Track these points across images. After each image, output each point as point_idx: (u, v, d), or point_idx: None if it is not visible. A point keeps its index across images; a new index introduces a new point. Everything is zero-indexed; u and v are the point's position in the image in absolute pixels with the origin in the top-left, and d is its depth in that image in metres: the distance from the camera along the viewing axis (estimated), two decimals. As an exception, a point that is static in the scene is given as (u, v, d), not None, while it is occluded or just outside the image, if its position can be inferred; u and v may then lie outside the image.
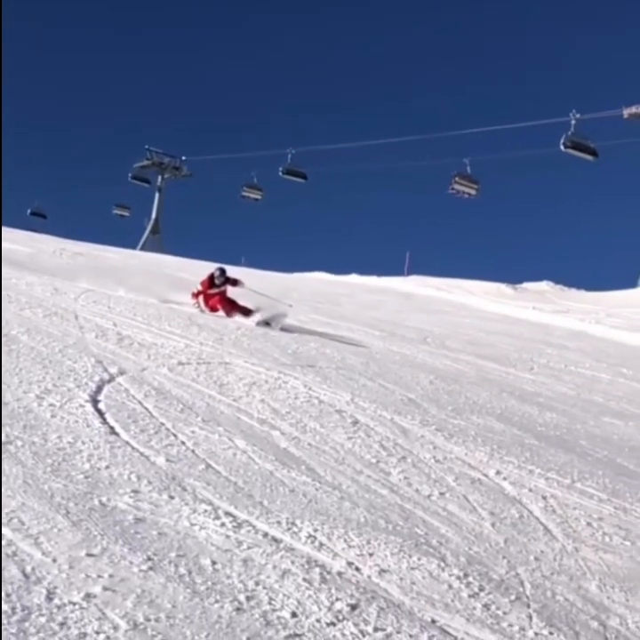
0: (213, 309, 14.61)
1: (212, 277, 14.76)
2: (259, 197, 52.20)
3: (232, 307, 14.63)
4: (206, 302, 14.64)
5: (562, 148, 39.34)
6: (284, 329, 14.04)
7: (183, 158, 59.72)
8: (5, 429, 6.08)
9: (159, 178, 59.83)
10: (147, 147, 59.86)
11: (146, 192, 60.71)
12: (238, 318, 14.23)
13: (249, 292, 15.19)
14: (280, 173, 48.41)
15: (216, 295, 14.70)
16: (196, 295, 14.67)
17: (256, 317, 14.26)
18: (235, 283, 14.98)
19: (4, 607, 3.62)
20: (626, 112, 40.48)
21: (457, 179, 41.52)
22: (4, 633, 3.42)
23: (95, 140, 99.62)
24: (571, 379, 15.03)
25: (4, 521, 4.47)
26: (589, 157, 39.83)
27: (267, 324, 14.08)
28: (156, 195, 59.90)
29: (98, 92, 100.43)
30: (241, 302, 14.83)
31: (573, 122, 39.12)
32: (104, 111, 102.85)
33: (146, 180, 60.20)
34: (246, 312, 14.48)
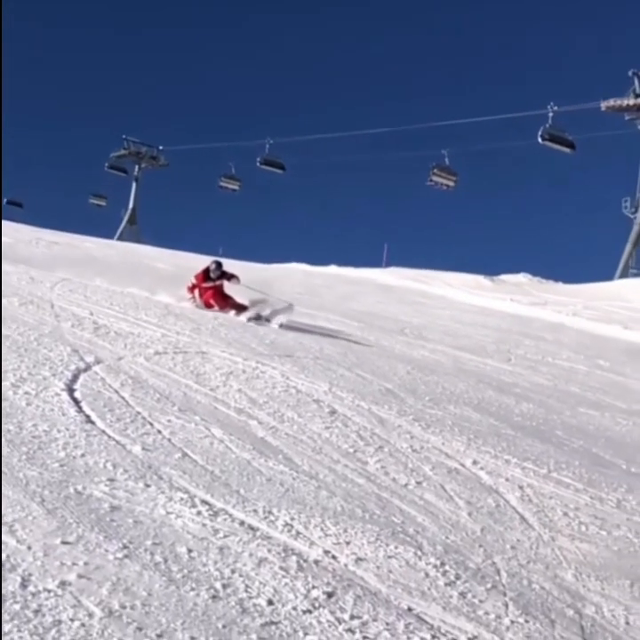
0: (207, 305, 14.05)
1: (207, 271, 14.26)
2: (236, 188, 52.15)
3: (226, 302, 14.09)
4: (200, 296, 14.09)
5: (540, 140, 39.55)
6: (283, 326, 13.53)
7: (160, 148, 59.59)
8: (-21, 417, 6.02)
9: (136, 167, 59.65)
10: (124, 136, 59.69)
11: (123, 182, 60.48)
12: (232, 315, 13.70)
13: (247, 290, 14.49)
14: (258, 164, 48.35)
15: (210, 289, 14.14)
16: (191, 289, 14.10)
17: (248, 314, 13.72)
18: (231, 278, 14.33)
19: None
20: (604, 105, 40.73)
21: (435, 170, 41.68)
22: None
23: (71, 129, 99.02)
24: (548, 370, 15.10)
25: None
26: (567, 150, 40.07)
27: (258, 318, 13.58)
28: (133, 184, 59.70)
29: (75, 81, 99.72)
30: (238, 299, 14.21)
31: (551, 114, 39.36)
32: (81, 100, 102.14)
33: (123, 170, 60.03)
34: (240, 308, 13.89)
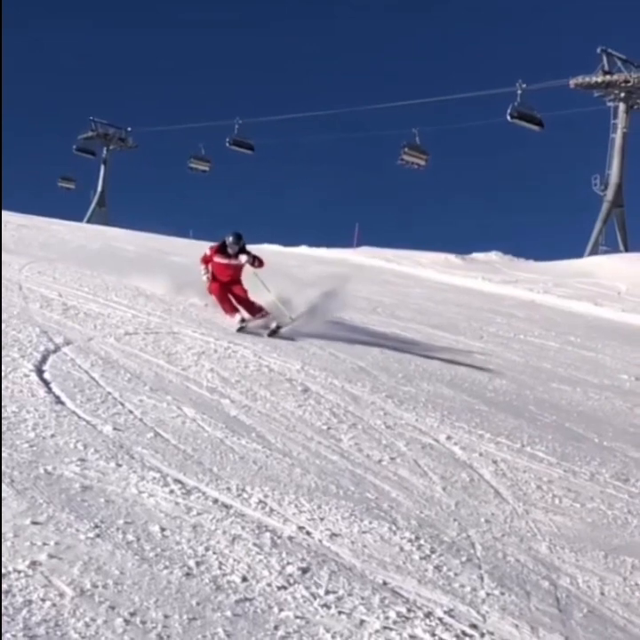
0: (215, 293, 11.40)
1: (223, 244, 11.31)
2: (206, 169, 51.85)
3: (234, 301, 11.25)
4: (210, 277, 11.40)
5: (508, 118, 39.58)
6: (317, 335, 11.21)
7: (129, 129, 58.99)
8: (-54, 399, 5.92)
9: (104, 149, 59.03)
10: (91, 118, 58.98)
11: (91, 164, 59.86)
12: (238, 322, 10.84)
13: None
14: (227, 144, 48.07)
15: (224, 272, 11.28)
16: (205, 260, 11.40)
17: (267, 323, 10.93)
18: (254, 260, 11.18)
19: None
20: (572, 82, 40.81)
21: (406, 149, 41.62)
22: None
23: (38, 111, 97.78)
24: (520, 347, 15.14)
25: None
26: (536, 128, 40.16)
27: (276, 332, 10.73)
28: (102, 167, 59.09)
29: (41, 62, 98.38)
30: (251, 297, 11.23)
31: (519, 92, 39.38)
32: (47, 81, 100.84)
33: (91, 152, 59.43)
34: (254, 311, 11.03)
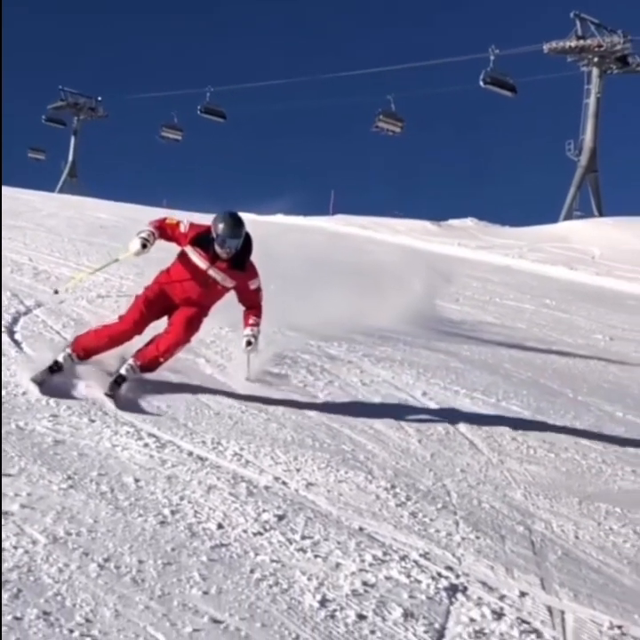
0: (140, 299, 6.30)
1: (207, 232, 6.17)
2: (179, 138, 51.43)
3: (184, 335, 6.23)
4: (166, 275, 6.36)
5: (481, 84, 39.51)
6: None
7: (99, 99, 58.28)
8: None
9: (75, 119, 58.31)
10: (61, 87, 58.21)
11: (62, 134, 59.16)
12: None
13: None
14: (198, 112, 47.66)
15: (191, 283, 6.22)
16: (168, 233, 6.25)
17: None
18: (251, 305, 6.57)
19: None
20: (546, 47, 40.72)
21: (381, 116, 41.43)
22: None
23: (6, 80, 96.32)
24: (495, 309, 15.21)
25: None
26: (509, 93, 40.12)
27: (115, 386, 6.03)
28: (72, 137, 58.42)
29: (8, 30, 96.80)
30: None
31: (492, 58, 39.29)
32: (14, 49, 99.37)
33: (61, 122, 58.69)
34: (154, 362, 6.19)
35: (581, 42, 40.45)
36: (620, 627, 3.70)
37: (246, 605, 3.33)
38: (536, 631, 3.55)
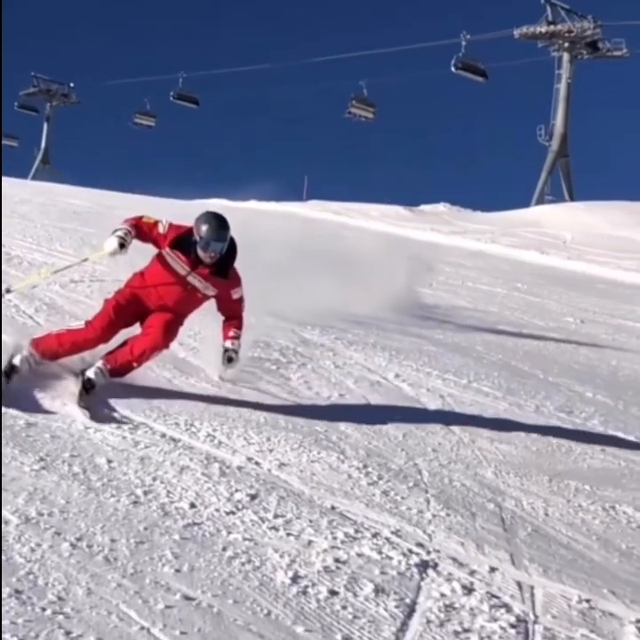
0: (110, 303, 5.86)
1: (188, 235, 5.73)
2: (152, 124, 51.11)
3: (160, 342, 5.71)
4: (139, 279, 5.89)
5: (453, 69, 39.58)
6: None
7: (71, 85, 57.75)
8: None
9: (47, 106, 57.77)
10: (33, 73, 57.60)
11: (34, 121, 58.60)
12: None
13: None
14: (171, 98, 47.41)
15: (168, 288, 5.77)
16: (146, 232, 5.77)
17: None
18: (232, 321, 6.14)
19: None
20: (517, 32, 40.83)
21: (354, 102, 41.39)
22: None
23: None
24: (468, 293, 15.30)
25: None
26: (480, 79, 40.25)
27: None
28: (45, 123, 57.90)
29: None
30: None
31: (464, 43, 39.36)
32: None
33: (33, 109, 58.11)
34: (126, 366, 5.75)
35: (552, 27, 40.60)
36: (588, 600, 3.76)
37: (218, 582, 3.36)
38: (506, 605, 3.60)
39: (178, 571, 3.39)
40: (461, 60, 39.49)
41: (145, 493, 4.10)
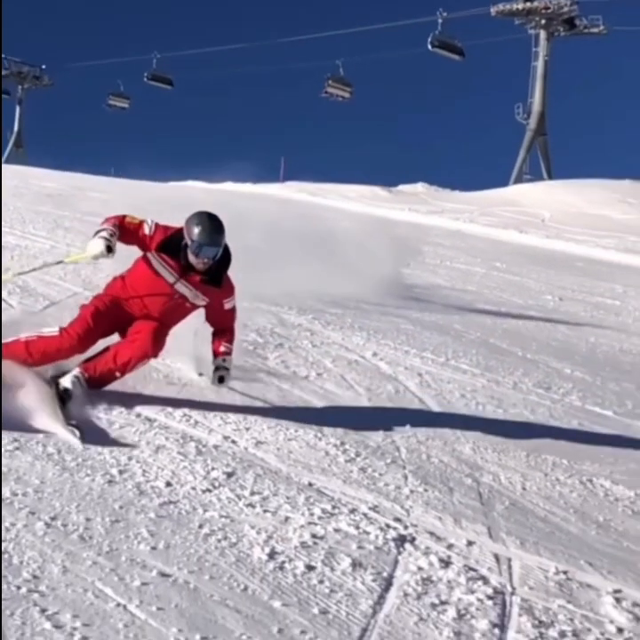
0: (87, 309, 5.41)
1: (178, 235, 5.20)
2: (126, 106, 50.67)
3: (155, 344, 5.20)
4: (121, 284, 5.53)
5: (430, 47, 39.44)
6: None
7: (43, 67, 57.08)
8: None
9: (19, 88, 57.12)
10: (3, 56, 56.84)
11: (6, 104, 57.90)
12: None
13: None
14: (145, 79, 47.00)
15: (154, 297, 5.29)
16: (132, 234, 5.37)
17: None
18: (224, 328, 5.62)
19: None
20: (493, 10, 40.74)
21: (330, 82, 41.21)
22: None
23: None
24: (446, 272, 15.30)
25: None
26: (457, 57, 40.13)
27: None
28: (17, 106, 57.29)
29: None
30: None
31: (440, 21, 39.21)
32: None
33: (5, 92, 57.34)
34: (108, 376, 5.24)
35: (528, 4, 40.49)
36: (565, 572, 3.77)
37: (195, 559, 3.34)
38: (483, 578, 3.61)
39: (154, 548, 3.38)
40: (438, 37, 39.34)
41: (120, 473, 4.08)
